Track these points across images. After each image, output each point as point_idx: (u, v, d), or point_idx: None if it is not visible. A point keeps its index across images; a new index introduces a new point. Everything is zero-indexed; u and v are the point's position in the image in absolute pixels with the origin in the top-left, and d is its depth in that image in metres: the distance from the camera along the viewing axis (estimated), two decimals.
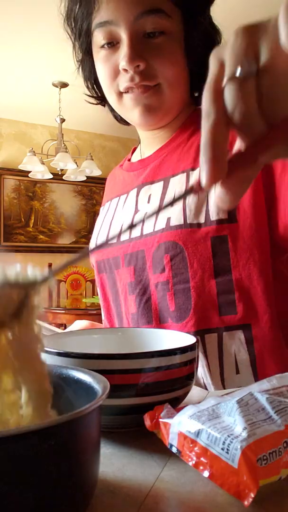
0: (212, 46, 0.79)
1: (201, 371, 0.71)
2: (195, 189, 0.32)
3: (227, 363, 0.70)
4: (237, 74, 0.29)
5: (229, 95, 0.29)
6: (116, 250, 0.82)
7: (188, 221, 0.70)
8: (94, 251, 0.87)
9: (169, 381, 0.46)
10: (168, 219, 0.72)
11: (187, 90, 0.80)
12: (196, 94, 0.84)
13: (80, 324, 0.90)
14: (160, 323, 0.75)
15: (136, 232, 0.78)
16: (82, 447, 0.32)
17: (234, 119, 0.30)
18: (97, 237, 0.88)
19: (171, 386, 0.47)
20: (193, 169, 0.74)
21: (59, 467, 0.30)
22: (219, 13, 0.78)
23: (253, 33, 0.29)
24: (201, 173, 0.30)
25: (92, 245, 0.90)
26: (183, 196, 0.33)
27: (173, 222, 0.71)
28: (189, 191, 0.33)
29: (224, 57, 0.31)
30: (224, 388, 0.70)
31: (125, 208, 0.83)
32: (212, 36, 0.78)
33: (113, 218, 0.86)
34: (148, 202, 0.78)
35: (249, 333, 0.70)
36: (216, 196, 0.32)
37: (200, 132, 0.31)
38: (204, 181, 0.30)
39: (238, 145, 0.33)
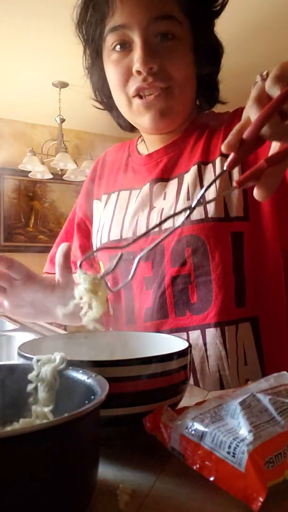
0: (215, 57, 0.81)
1: (219, 364, 0.73)
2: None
3: (239, 355, 0.73)
4: None
5: None
6: (132, 245, 0.81)
7: (209, 215, 0.72)
8: (107, 246, 0.85)
9: (167, 388, 0.45)
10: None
11: (194, 96, 0.81)
12: (198, 103, 0.85)
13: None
14: (176, 316, 0.76)
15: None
16: (82, 448, 0.32)
17: None
18: (110, 231, 0.85)
19: (169, 393, 0.46)
20: (203, 162, 0.76)
21: (59, 467, 0.30)
22: (222, 27, 0.81)
23: None
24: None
25: (103, 239, 0.87)
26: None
27: (194, 217, 0.73)
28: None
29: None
30: (238, 380, 0.72)
31: (139, 203, 0.83)
32: (216, 48, 0.81)
33: (125, 213, 0.84)
34: (164, 199, 0.80)
35: (256, 325, 0.74)
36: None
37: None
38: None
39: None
